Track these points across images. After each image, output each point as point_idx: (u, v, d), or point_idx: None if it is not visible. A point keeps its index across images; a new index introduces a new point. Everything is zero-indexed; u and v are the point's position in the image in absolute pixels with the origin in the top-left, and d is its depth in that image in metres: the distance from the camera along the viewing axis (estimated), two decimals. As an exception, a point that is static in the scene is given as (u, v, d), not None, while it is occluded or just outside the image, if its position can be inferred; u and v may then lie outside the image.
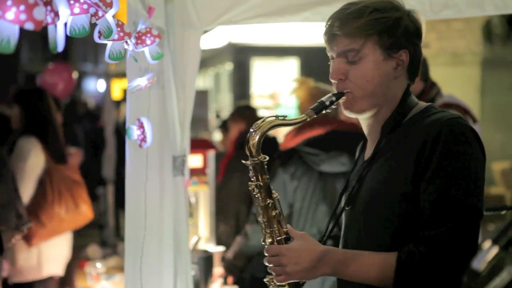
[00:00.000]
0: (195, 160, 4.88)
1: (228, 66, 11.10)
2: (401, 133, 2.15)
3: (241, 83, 10.70)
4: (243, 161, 2.21)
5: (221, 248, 4.62)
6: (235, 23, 3.24)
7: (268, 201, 2.19)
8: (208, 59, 11.82)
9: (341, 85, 2.17)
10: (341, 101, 2.17)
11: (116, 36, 2.08)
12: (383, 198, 2.11)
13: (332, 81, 2.18)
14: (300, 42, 10.54)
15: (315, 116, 2.15)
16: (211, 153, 5.06)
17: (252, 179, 2.19)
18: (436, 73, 9.09)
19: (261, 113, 9.04)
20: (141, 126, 2.64)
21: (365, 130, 2.28)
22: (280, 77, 11.15)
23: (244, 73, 10.65)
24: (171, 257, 3.24)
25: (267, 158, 2.19)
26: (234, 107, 6.44)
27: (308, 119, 2.15)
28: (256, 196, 2.20)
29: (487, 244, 1.31)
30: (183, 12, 3.20)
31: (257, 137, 2.17)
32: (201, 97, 8.35)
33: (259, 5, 3.17)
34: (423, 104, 2.22)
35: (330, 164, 3.85)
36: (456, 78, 10.87)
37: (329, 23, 2.19)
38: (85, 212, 4.52)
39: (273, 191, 2.20)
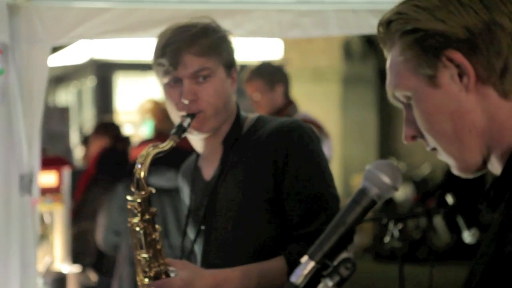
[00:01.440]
0: (48, 178, 4.73)
1: (91, 82, 10.92)
2: (244, 146, 2.20)
3: (104, 99, 10.55)
4: (128, 198, 2.11)
5: (77, 268, 4.51)
6: (85, 38, 3.18)
7: (154, 235, 2.12)
8: (70, 75, 11.58)
9: (194, 106, 2.16)
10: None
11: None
12: (248, 210, 2.16)
13: (182, 103, 2.15)
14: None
15: (179, 140, 2.13)
16: (67, 171, 4.93)
17: (137, 214, 2.09)
18: (299, 90, 9.31)
19: (125, 129, 8.91)
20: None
21: (202, 149, 2.27)
22: (144, 93, 11.09)
23: (107, 89, 10.51)
24: (18, 282, 3.11)
25: (154, 190, 2.12)
26: (97, 123, 6.32)
27: (174, 144, 2.12)
28: (140, 231, 2.10)
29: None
30: (30, 26, 3.10)
31: (143, 170, 2.10)
32: (62, 114, 8.15)
33: (110, 21, 3.13)
34: (252, 115, 2.29)
35: (157, 177, 3.82)
36: (318, 95, 11.15)
37: (174, 45, 2.16)
38: None
39: (157, 225, 2.12)
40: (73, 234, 4.89)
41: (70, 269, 4.49)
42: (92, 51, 9.70)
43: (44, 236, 4.75)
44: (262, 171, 2.13)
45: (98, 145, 5.21)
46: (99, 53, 9.77)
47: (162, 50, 2.17)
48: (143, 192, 2.10)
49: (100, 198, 4.78)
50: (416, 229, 8.53)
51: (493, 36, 1.25)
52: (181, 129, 2.15)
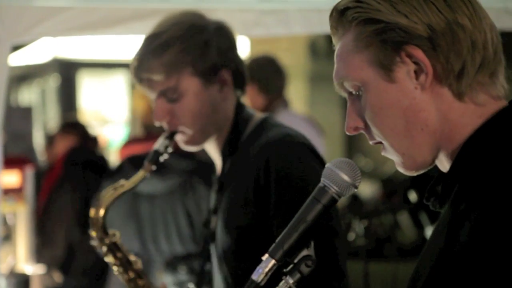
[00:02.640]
0: (10, 178, 4.66)
1: (54, 81, 10.82)
2: (242, 156, 2.02)
3: (68, 98, 10.46)
4: (93, 244, 2.06)
5: (41, 269, 4.46)
6: (46, 36, 3.14)
7: (131, 275, 2.07)
8: (33, 74, 11.46)
9: (171, 126, 2.02)
10: (178, 139, 2.03)
11: None
12: (243, 227, 1.98)
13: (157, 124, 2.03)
14: (129, 58, 10.42)
15: (154, 169, 2.00)
16: (30, 171, 4.87)
17: (109, 261, 2.05)
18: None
19: (90, 128, 8.84)
20: None
21: (212, 156, 2.16)
22: (109, 92, 11.03)
23: (71, 88, 10.43)
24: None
25: (117, 235, 2.04)
26: (62, 122, 6.24)
27: (147, 175, 2.01)
28: (118, 274, 2.07)
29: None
30: (-12, 24, 3.05)
31: (100, 215, 2.01)
32: (25, 114, 8.06)
33: (71, 19, 3.09)
34: (258, 117, 2.08)
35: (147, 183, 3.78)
36: (285, 93, 11.16)
37: (135, 64, 2.02)
38: None
39: (134, 261, 2.07)
40: (39, 234, 4.83)
41: (33, 270, 4.44)
42: (55, 50, 9.61)
43: (7, 237, 4.69)
44: (247, 191, 1.95)
45: (64, 144, 5.14)
46: (62, 52, 9.68)
47: (133, 66, 2.05)
48: (107, 240, 2.03)
49: (68, 198, 4.73)
50: (381, 226, 8.58)
51: (454, 37, 1.25)
52: (157, 154, 2.02)
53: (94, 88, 10.96)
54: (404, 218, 8.50)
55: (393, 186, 9.73)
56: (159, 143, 2.03)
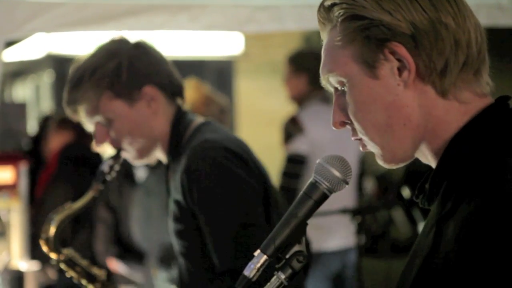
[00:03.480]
0: (4, 175, 4.66)
1: (49, 77, 10.80)
2: (179, 161, 2.10)
3: (62, 93, 10.46)
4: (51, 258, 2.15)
5: (35, 266, 4.45)
6: (39, 32, 3.14)
7: (97, 285, 2.16)
8: (27, 70, 11.44)
9: (114, 145, 2.14)
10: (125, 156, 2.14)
11: None
12: (181, 233, 2.09)
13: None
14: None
15: (102, 188, 2.11)
16: (24, 167, 4.86)
17: (71, 276, 2.15)
18: (259, 84, 9.27)
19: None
20: None
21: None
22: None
23: (65, 84, 10.41)
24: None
25: (71, 252, 2.14)
26: (56, 118, 6.22)
27: (97, 195, 2.11)
28: (83, 283, 2.17)
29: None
30: (-19, 20, 3.05)
31: (52, 234, 2.11)
32: (19, 110, 8.05)
33: (64, 15, 3.09)
34: (196, 123, 2.16)
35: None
36: (278, 89, 11.15)
37: (64, 98, 2.17)
38: None
39: (97, 272, 2.15)
40: (34, 230, 4.83)
41: (28, 266, 4.43)
42: (49, 46, 9.59)
43: (1, 233, 4.68)
44: (179, 200, 2.05)
45: (59, 140, 5.13)
46: (56, 47, 9.66)
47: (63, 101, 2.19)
48: (61, 257, 2.14)
49: (64, 194, 4.73)
50: (375, 223, 8.60)
51: (437, 35, 1.26)
52: (103, 175, 2.13)
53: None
54: (398, 215, 8.53)
55: (387, 183, 9.76)
56: (104, 164, 2.14)
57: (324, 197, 1.33)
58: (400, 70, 1.28)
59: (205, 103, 4.14)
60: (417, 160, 1.35)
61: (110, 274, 4.52)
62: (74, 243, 4.61)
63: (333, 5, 1.32)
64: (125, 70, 2.09)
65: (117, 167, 2.15)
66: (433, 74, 1.27)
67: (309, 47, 4.68)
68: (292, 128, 4.37)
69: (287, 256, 1.32)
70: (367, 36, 1.28)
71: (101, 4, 3.09)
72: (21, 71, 11.55)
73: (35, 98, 11.59)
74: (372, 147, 1.33)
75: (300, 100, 4.55)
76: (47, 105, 10.91)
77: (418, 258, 1.25)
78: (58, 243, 2.13)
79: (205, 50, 9.58)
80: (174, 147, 2.12)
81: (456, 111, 1.28)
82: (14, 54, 8.82)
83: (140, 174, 4.75)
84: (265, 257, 1.31)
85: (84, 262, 2.15)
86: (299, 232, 1.33)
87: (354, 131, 1.34)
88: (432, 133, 1.29)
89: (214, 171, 1.99)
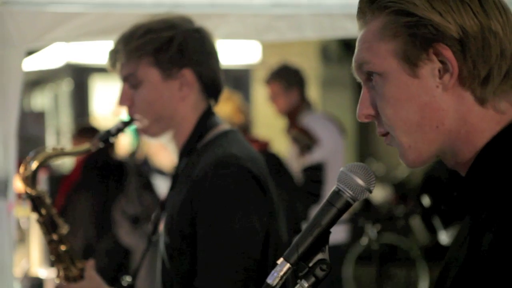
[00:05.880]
0: (24, 183, 4.69)
1: (67, 86, 10.87)
2: (195, 161, 2.05)
3: (81, 103, 10.52)
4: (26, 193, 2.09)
5: (55, 273, 4.48)
6: (59, 41, 3.17)
7: (54, 237, 2.10)
8: (46, 79, 11.52)
9: (130, 112, 2.11)
10: (136, 126, 2.12)
11: None
12: (177, 231, 2.01)
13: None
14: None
15: (101, 146, 2.08)
16: (44, 175, 4.90)
17: (33, 213, 2.10)
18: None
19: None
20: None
21: (174, 152, 2.20)
22: (122, 97, 11.08)
23: (84, 93, 10.48)
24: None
25: (44, 193, 2.08)
26: (76, 127, 6.27)
27: (93, 149, 2.08)
28: (42, 233, 2.11)
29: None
30: (3, 30, 3.08)
31: (32, 168, 2.05)
32: (38, 118, 8.11)
33: (84, 25, 3.11)
34: (221, 128, 2.12)
35: None
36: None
37: (112, 47, 2.15)
38: None
39: (61, 225, 2.08)
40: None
41: (47, 273, 4.46)
42: (68, 55, 9.66)
43: (21, 241, 4.71)
44: (186, 199, 1.99)
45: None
46: (75, 57, 9.73)
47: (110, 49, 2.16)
48: (30, 193, 2.08)
49: (86, 203, 4.77)
50: (394, 231, 8.56)
51: (485, 42, 1.24)
52: (107, 134, 2.10)
53: (107, 93, 11.02)
54: (416, 223, 8.49)
55: (405, 191, 9.71)
56: (114, 125, 2.12)
57: (347, 206, 1.33)
58: (441, 72, 1.26)
59: (236, 113, 4.28)
60: (435, 167, 1.34)
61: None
62: (97, 251, 4.63)
63: None
64: (176, 45, 2.07)
65: (122, 133, 2.11)
66: (475, 81, 1.25)
67: (285, 64, 4.90)
68: (307, 139, 4.49)
69: (311, 265, 1.32)
70: (413, 34, 1.26)
71: (121, 14, 3.10)
72: (40, 80, 11.63)
73: (53, 106, 11.67)
74: (397, 145, 1.31)
75: (291, 113, 4.70)
76: (65, 114, 10.98)
77: (452, 269, 1.24)
78: (35, 180, 2.07)
79: (223, 58, 9.60)
80: (192, 143, 2.09)
81: (491, 119, 1.27)
82: (33, 63, 8.88)
83: (160, 184, 4.77)
84: (288, 265, 1.30)
85: (53, 210, 2.10)
86: (322, 240, 1.33)
87: (379, 126, 1.33)
88: (464, 139, 1.27)
89: (231, 190, 1.96)
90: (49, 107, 11.73)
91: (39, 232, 4.74)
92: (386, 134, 1.33)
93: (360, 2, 1.34)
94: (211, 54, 2.15)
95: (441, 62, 1.26)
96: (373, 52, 1.30)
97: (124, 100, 2.11)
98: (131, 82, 2.09)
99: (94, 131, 5.45)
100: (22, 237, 4.71)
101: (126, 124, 2.11)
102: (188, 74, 2.09)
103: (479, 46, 1.24)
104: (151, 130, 2.10)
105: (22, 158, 5.00)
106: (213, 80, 2.14)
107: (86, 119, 10.03)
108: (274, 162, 4.11)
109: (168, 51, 2.06)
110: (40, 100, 12.37)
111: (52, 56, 9.58)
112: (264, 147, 4.18)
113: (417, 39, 1.26)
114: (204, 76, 2.11)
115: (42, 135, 8.43)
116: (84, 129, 5.53)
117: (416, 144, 1.29)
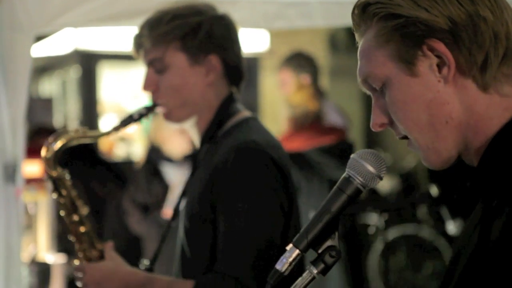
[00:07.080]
0: (32, 168, 4.70)
1: (75, 73, 10.86)
2: (216, 147, 2.07)
3: (89, 90, 10.51)
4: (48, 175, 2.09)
5: (62, 258, 4.49)
6: (69, 27, 3.16)
7: (75, 218, 2.10)
8: (54, 65, 11.50)
9: (154, 97, 2.11)
10: (159, 111, 2.11)
11: None
12: (197, 216, 2.02)
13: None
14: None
15: (117, 132, 2.06)
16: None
17: (54, 194, 2.09)
18: (284, 81, 9.13)
19: (110, 119, 8.88)
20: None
21: (195, 138, 2.21)
22: (130, 84, 11.06)
23: (92, 80, 10.48)
24: (2, 270, 3.10)
25: (65, 174, 2.08)
26: (33, 128, 6.24)
27: (113, 134, 2.07)
28: (61, 212, 2.10)
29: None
30: (12, 14, 3.07)
31: (54, 150, 2.06)
32: (46, 105, 8.11)
33: (94, 10, 3.10)
34: (242, 115, 2.13)
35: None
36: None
37: (138, 32, 2.14)
38: None
39: (81, 206, 2.10)
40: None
41: (55, 259, 4.47)
42: (77, 41, 9.65)
43: (28, 226, 4.73)
44: (207, 183, 2.00)
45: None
46: (83, 43, 9.71)
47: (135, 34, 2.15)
48: (54, 174, 2.07)
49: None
50: (400, 221, 8.57)
51: (476, 28, 1.25)
52: (130, 119, 2.09)
53: (115, 80, 11.03)
54: (424, 213, 8.49)
55: (413, 181, 9.70)
56: (136, 110, 2.11)
57: (358, 192, 1.33)
58: (439, 67, 1.27)
59: None
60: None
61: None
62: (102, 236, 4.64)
63: (367, 5, 1.31)
64: (203, 31, 2.08)
65: (144, 119, 2.11)
66: (473, 69, 1.26)
67: (298, 51, 4.91)
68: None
69: (320, 251, 1.32)
70: (404, 34, 1.27)
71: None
72: (47, 66, 11.62)
73: (61, 93, 11.67)
74: (417, 149, 1.32)
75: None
76: (73, 101, 10.99)
77: (462, 256, 1.24)
78: (57, 161, 2.07)
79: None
80: (213, 129, 2.09)
81: (497, 106, 1.27)
82: (41, 49, 8.89)
83: (169, 171, 4.77)
84: (297, 251, 1.31)
85: (73, 192, 2.10)
86: (332, 227, 1.33)
87: (396, 131, 1.33)
88: (474, 129, 1.28)
89: (252, 175, 1.96)
90: (57, 94, 11.73)
91: (47, 217, 4.77)
92: (405, 137, 1.34)
93: (352, 15, 1.36)
94: (235, 41, 2.16)
95: (437, 56, 1.27)
96: (372, 63, 1.32)
97: (149, 85, 2.10)
98: (156, 67, 2.09)
99: (50, 132, 5.47)
100: (30, 223, 4.72)
101: (149, 109, 2.11)
102: (214, 60, 2.10)
103: (470, 34, 1.25)
104: (175, 115, 2.11)
105: (30, 144, 5.00)
106: (237, 67, 2.15)
107: (93, 106, 10.03)
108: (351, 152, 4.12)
109: (196, 36, 2.07)
110: (48, 87, 12.37)
111: (60, 42, 9.58)
112: (342, 136, 4.19)
113: (409, 39, 1.27)
114: (228, 63, 2.12)
115: (50, 122, 8.44)
116: (40, 130, 5.57)
117: (433, 144, 1.30)
